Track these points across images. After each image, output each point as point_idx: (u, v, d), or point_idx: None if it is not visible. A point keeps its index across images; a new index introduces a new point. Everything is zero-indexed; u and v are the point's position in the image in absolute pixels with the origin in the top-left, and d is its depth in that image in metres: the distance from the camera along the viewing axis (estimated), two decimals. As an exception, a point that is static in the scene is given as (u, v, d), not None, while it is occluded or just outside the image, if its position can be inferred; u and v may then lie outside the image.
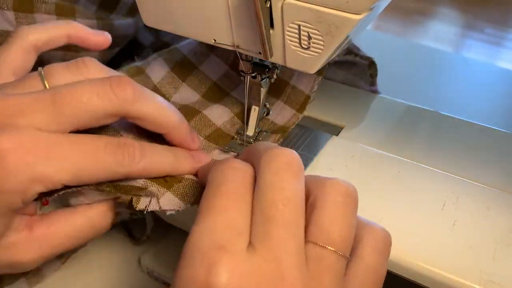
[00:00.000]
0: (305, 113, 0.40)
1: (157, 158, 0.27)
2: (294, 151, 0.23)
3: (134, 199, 0.27)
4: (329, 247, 0.21)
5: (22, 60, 0.30)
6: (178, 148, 0.29)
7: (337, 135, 0.37)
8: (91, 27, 0.35)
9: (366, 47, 0.43)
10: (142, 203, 0.27)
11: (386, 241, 0.24)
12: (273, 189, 0.21)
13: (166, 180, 0.28)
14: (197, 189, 0.28)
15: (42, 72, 0.26)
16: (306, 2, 0.25)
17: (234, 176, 0.23)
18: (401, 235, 0.28)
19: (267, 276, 0.20)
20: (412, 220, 0.29)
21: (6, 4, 0.35)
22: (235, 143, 0.34)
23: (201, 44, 0.38)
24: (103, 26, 0.40)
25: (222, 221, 0.21)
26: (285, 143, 0.35)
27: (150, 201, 0.27)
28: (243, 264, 0.20)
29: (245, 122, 0.35)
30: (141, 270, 0.36)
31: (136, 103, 0.26)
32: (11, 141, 0.22)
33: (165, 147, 0.29)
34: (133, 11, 0.46)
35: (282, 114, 0.37)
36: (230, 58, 0.39)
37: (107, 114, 0.25)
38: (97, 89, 0.25)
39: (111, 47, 0.35)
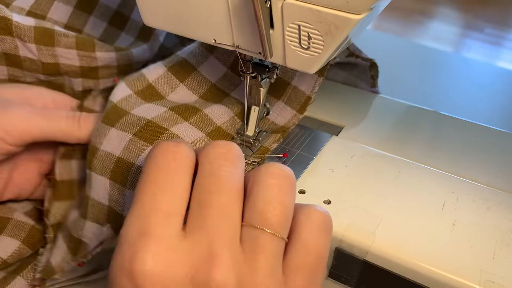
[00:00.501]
0: (305, 113, 0.40)
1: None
2: (233, 143, 0.23)
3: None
4: (264, 228, 0.21)
5: None
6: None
7: (337, 135, 0.37)
8: (111, 58, 0.39)
9: (366, 47, 0.43)
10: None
11: (326, 221, 0.23)
12: (210, 176, 0.21)
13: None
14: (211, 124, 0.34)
15: None
16: (306, 2, 0.25)
17: (166, 159, 0.22)
18: (401, 235, 0.28)
19: (197, 259, 0.20)
20: (412, 220, 0.29)
21: (27, 36, 0.36)
22: (235, 143, 0.34)
23: (201, 46, 0.38)
24: (121, 56, 0.42)
25: (150, 207, 0.21)
26: (285, 143, 0.35)
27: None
28: (170, 248, 0.20)
29: (245, 122, 0.35)
30: None
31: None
32: None
33: None
34: (147, 35, 0.46)
35: (282, 114, 0.37)
36: (230, 59, 0.38)
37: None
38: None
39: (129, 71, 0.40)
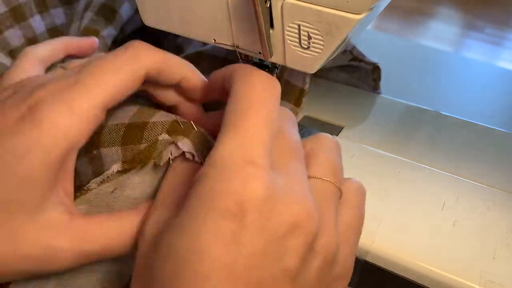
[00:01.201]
0: (305, 113, 0.40)
1: (168, 55, 0.28)
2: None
3: (157, 159, 0.26)
4: (328, 179, 0.24)
5: (31, 74, 0.30)
6: None
7: (337, 135, 0.37)
8: None
9: (366, 47, 0.43)
10: (164, 157, 0.26)
11: (363, 189, 0.26)
12: (283, 132, 0.24)
13: (182, 126, 0.27)
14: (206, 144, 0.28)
15: (65, 66, 0.28)
16: (306, 2, 0.25)
17: (264, 92, 0.23)
18: (401, 235, 0.28)
19: (288, 196, 0.21)
20: (412, 220, 0.29)
21: None
22: None
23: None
24: None
25: (255, 137, 0.21)
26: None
27: (171, 153, 0.27)
28: (272, 182, 0.20)
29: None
30: None
31: (151, 52, 0.26)
32: (46, 89, 0.23)
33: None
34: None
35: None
36: (217, 68, 0.39)
37: (137, 78, 0.25)
38: (117, 53, 0.26)
39: None
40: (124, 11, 0.45)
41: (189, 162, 0.26)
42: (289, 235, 0.20)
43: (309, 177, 0.23)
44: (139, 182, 0.27)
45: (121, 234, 0.24)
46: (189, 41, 0.51)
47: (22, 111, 0.22)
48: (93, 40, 0.35)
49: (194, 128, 0.28)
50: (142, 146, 0.27)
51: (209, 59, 0.39)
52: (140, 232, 0.23)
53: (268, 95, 0.23)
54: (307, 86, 0.36)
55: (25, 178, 0.21)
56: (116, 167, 0.27)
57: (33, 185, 0.21)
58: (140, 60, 0.26)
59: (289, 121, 0.25)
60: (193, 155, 0.27)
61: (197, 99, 0.30)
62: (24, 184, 0.21)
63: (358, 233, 0.25)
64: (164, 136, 0.27)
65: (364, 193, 0.26)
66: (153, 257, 0.21)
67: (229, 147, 0.21)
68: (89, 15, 0.43)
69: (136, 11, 0.33)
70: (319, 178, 0.24)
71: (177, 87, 0.29)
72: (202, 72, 0.39)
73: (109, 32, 0.43)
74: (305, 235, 0.20)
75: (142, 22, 0.33)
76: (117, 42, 0.46)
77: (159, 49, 0.27)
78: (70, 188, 0.24)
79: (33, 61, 0.31)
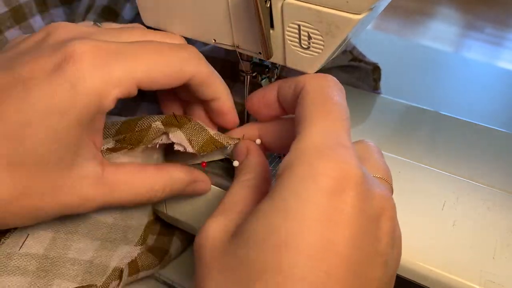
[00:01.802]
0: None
1: (215, 71, 0.29)
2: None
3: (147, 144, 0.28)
4: (385, 179, 0.25)
5: None
6: None
7: (337, 135, 0.37)
8: None
9: (366, 47, 0.43)
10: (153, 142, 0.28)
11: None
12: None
13: (178, 120, 0.29)
14: (204, 135, 0.29)
15: (100, 25, 0.28)
16: (306, 2, 0.25)
17: (338, 92, 0.25)
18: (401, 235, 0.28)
19: (372, 180, 0.22)
20: (412, 220, 0.29)
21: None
22: None
23: None
24: None
25: (340, 126, 0.23)
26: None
27: (161, 139, 0.28)
28: (360, 165, 0.21)
29: (245, 122, 0.35)
30: (155, 279, 0.36)
31: (202, 63, 0.28)
32: (83, 47, 0.23)
33: None
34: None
35: None
36: (216, 69, 0.39)
37: (177, 74, 0.26)
38: (168, 48, 0.26)
39: None
40: (126, 13, 0.45)
41: (252, 175, 0.27)
42: (382, 218, 0.21)
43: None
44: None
45: (147, 188, 0.27)
46: (189, 42, 0.51)
47: (58, 60, 0.22)
48: None
49: (189, 121, 0.28)
50: (135, 132, 0.27)
51: (209, 60, 0.39)
52: (200, 243, 0.23)
53: (339, 90, 0.25)
54: None
55: (61, 136, 0.23)
56: (107, 145, 0.27)
57: (68, 143, 0.23)
58: (190, 64, 0.27)
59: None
60: (185, 148, 0.27)
61: (218, 123, 0.31)
62: (60, 142, 0.23)
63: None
64: (158, 124, 0.28)
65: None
66: (237, 253, 0.20)
67: (319, 134, 0.22)
68: (91, 17, 0.43)
69: (138, 14, 0.33)
70: (377, 177, 0.24)
71: (205, 105, 0.30)
72: None
73: None
74: (392, 221, 0.22)
75: (144, 24, 0.33)
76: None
77: (208, 63, 0.28)
78: (100, 143, 0.26)
79: None
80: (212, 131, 0.29)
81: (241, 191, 0.25)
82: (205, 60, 0.28)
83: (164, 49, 0.26)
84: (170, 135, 0.28)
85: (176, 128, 0.28)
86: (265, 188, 0.26)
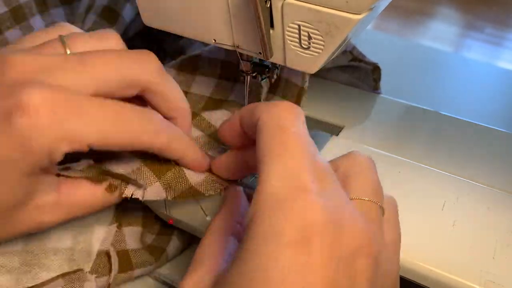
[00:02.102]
0: (305, 113, 0.40)
1: (176, 135, 0.28)
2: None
3: (122, 184, 0.27)
4: (372, 200, 0.23)
5: None
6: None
7: (337, 135, 0.37)
8: None
9: (366, 47, 0.43)
10: (128, 191, 0.27)
11: (396, 203, 0.26)
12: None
13: (161, 164, 0.28)
14: (184, 184, 0.28)
15: (64, 38, 0.26)
16: (306, 2, 0.25)
17: (294, 120, 0.23)
18: (401, 235, 0.28)
19: (343, 218, 0.20)
20: (412, 220, 0.29)
21: None
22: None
23: (181, 71, 0.39)
24: None
25: (299, 164, 0.21)
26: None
27: (135, 190, 0.28)
28: (325, 205, 0.20)
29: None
30: (155, 279, 0.36)
31: (158, 78, 0.27)
32: (40, 96, 0.22)
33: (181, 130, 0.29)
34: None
35: None
36: (217, 70, 0.39)
37: (131, 82, 0.26)
38: (124, 57, 0.25)
39: None
40: (126, 13, 0.45)
41: (223, 221, 0.27)
42: (357, 256, 0.20)
43: (353, 199, 0.23)
44: None
45: (103, 202, 0.27)
46: (190, 42, 0.51)
47: (11, 107, 0.22)
48: None
49: (173, 167, 0.28)
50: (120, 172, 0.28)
51: (209, 61, 0.39)
52: None
53: (295, 118, 0.23)
54: (306, 84, 0.36)
55: (13, 184, 0.23)
56: (77, 167, 0.28)
57: (21, 187, 0.23)
58: (147, 132, 0.26)
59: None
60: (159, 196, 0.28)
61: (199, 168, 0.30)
62: (12, 188, 0.23)
63: (399, 250, 0.25)
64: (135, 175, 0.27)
65: (397, 207, 0.26)
66: None
67: (276, 180, 0.20)
68: (92, 17, 0.43)
69: (138, 14, 0.33)
70: (364, 199, 0.23)
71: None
72: (202, 75, 0.39)
73: None
74: (369, 257, 0.20)
75: (143, 24, 0.33)
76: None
77: (169, 125, 0.27)
78: (55, 168, 0.26)
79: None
80: (195, 179, 0.29)
81: (213, 242, 0.25)
82: (167, 123, 0.27)
83: (125, 113, 0.25)
84: (147, 191, 0.28)
85: (156, 179, 0.28)
86: (239, 235, 0.26)
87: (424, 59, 0.68)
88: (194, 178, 0.29)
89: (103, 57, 0.25)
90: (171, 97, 0.28)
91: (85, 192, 0.27)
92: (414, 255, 0.26)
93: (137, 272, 0.32)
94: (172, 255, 0.35)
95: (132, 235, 0.33)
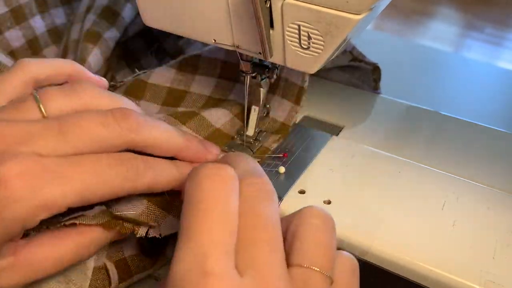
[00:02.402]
0: (305, 113, 0.40)
1: (161, 171, 0.27)
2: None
3: (136, 228, 0.27)
4: (314, 268, 0.21)
5: (20, 92, 0.29)
6: (179, 161, 0.29)
7: (337, 135, 0.37)
8: None
9: (366, 47, 0.43)
10: (142, 230, 0.27)
11: (357, 265, 0.24)
12: (253, 215, 0.21)
13: (166, 198, 0.28)
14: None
15: (38, 96, 0.26)
16: (306, 2, 0.25)
17: (212, 187, 0.21)
18: (401, 235, 0.28)
19: None
20: (412, 220, 0.29)
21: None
22: (235, 143, 0.34)
23: (181, 71, 0.39)
24: None
25: (208, 242, 0.20)
26: (285, 143, 0.35)
27: (148, 230, 0.27)
28: (234, 286, 0.19)
29: (245, 122, 0.35)
30: (156, 279, 0.36)
31: (140, 131, 0.26)
32: (16, 168, 0.22)
33: (166, 160, 0.28)
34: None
35: (281, 108, 0.37)
36: (217, 70, 0.39)
37: (113, 145, 0.25)
38: (101, 119, 0.25)
39: None
40: (126, 13, 0.45)
41: None
42: None
43: (294, 265, 0.21)
44: None
45: (62, 255, 0.25)
46: (190, 42, 0.51)
47: None
48: (103, 83, 0.33)
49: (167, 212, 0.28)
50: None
51: (209, 61, 0.39)
52: None
53: (220, 186, 0.21)
54: (306, 84, 0.36)
55: None
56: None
57: None
58: (128, 181, 0.25)
59: (264, 198, 0.22)
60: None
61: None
62: None
63: None
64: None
65: (358, 268, 0.24)
66: None
67: (183, 261, 0.20)
68: (91, 17, 0.43)
69: (138, 14, 0.33)
70: (305, 267, 0.21)
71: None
72: (202, 74, 0.40)
73: (111, 34, 0.43)
74: None
75: (143, 24, 0.33)
76: (120, 44, 0.46)
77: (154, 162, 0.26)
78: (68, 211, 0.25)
79: (25, 80, 0.29)
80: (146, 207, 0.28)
81: None
82: (150, 159, 0.26)
83: (101, 164, 0.24)
84: (161, 227, 0.27)
85: (165, 213, 0.28)
86: None
87: (424, 59, 0.68)
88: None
89: (79, 125, 0.24)
90: (158, 145, 0.27)
91: (46, 250, 0.25)
92: (414, 255, 0.26)
93: (136, 277, 0.32)
94: (172, 255, 0.35)
95: (129, 242, 0.33)
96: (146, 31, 0.49)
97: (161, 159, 0.27)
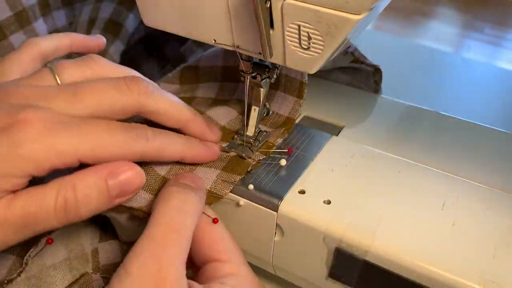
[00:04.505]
0: (305, 113, 0.40)
1: (169, 140, 0.29)
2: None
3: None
4: None
5: (31, 68, 0.31)
6: (189, 136, 0.31)
7: (337, 135, 0.37)
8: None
9: (366, 47, 0.43)
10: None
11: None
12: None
13: None
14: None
15: (53, 67, 0.28)
16: (306, 2, 0.25)
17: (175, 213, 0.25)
18: (401, 235, 0.28)
19: None
20: (412, 220, 0.29)
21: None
22: (235, 143, 0.34)
23: (184, 84, 0.40)
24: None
25: (172, 251, 0.24)
26: (285, 144, 0.35)
27: None
28: None
29: (245, 122, 0.35)
30: None
31: (150, 97, 0.28)
32: (35, 115, 0.24)
33: (175, 133, 0.30)
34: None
35: (285, 103, 0.37)
36: (219, 77, 0.40)
37: (124, 107, 0.27)
38: (114, 84, 0.27)
39: None
40: (129, 24, 0.46)
41: None
42: None
43: None
44: None
45: (44, 209, 0.25)
46: (191, 49, 0.52)
47: (10, 121, 0.23)
48: (101, 41, 0.36)
49: None
50: None
51: (210, 69, 0.40)
52: None
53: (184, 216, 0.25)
54: (305, 79, 0.37)
55: None
56: None
57: None
58: (138, 144, 0.27)
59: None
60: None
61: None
62: None
63: None
64: None
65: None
66: None
67: (141, 263, 0.23)
68: (95, 33, 0.44)
69: (140, 23, 0.33)
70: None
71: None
72: (205, 82, 0.41)
73: (116, 48, 0.44)
74: None
75: (145, 31, 0.34)
76: (122, 53, 0.47)
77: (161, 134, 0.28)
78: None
79: (34, 55, 0.31)
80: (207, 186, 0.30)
81: None
82: (154, 134, 0.28)
83: (114, 127, 0.26)
84: None
85: None
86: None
87: (424, 59, 0.68)
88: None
89: (93, 88, 0.27)
90: (166, 113, 0.29)
91: (31, 204, 0.25)
92: (414, 255, 0.27)
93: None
94: None
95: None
96: (148, 38, 0.49)
97: (170, 131, 0.30)
